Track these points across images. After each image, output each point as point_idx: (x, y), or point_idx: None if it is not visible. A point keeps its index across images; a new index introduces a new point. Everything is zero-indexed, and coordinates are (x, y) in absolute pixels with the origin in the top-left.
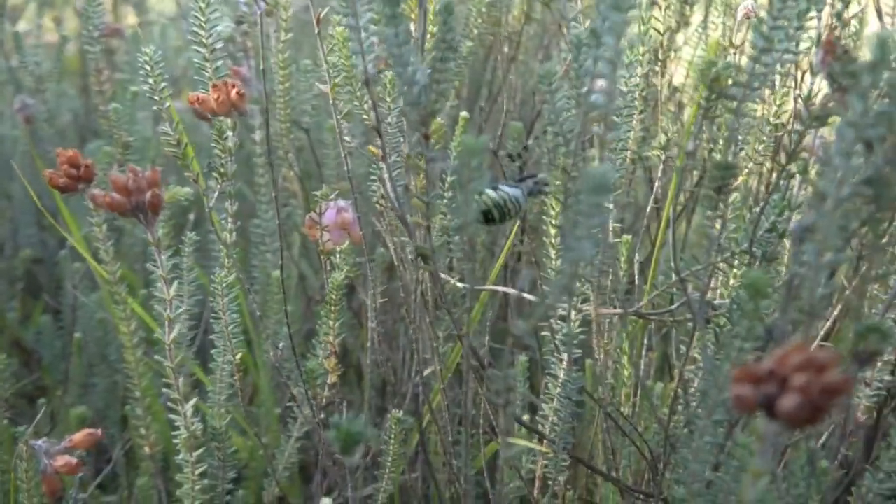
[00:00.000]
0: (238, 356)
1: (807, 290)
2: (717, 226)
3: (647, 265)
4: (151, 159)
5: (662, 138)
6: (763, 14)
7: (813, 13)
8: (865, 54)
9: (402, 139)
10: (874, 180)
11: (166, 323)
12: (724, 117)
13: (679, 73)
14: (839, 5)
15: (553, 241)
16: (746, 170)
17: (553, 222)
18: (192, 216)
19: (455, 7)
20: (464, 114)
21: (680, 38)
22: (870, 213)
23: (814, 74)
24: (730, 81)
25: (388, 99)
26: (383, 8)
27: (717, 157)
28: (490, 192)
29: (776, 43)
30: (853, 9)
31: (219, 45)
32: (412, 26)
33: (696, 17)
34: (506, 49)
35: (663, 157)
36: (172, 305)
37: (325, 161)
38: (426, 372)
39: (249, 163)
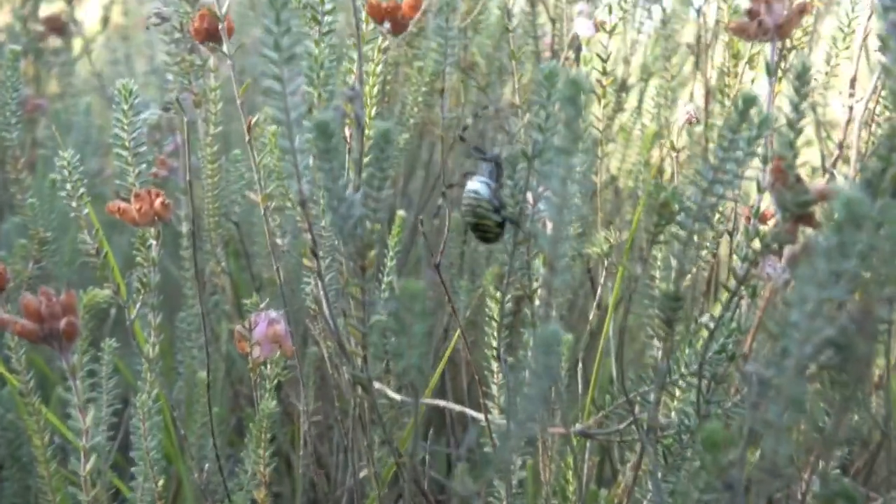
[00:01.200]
0: (160, 483)
1: (768, 449)
2: (666, 355)
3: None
4: (69, 257)
5: (603, 241)
6: (711, 146)
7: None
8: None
9: (339, 260)
10: (840, 343)
11: (82, 454)
12: (673, 246)
13: (615, 158)
14: (790, 132)
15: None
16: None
17: (495, 380)
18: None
19: (392, 134)
20: (400, 213)
21: (615, 124)
22: (835, 377)
23: (760, 191)
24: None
25: (323, 222)
26: (316, 141)
27: (665, 286)
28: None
29: (726, 174)
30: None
31: (142, 146)
32: (347, 156)
33: (632, 100)
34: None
35: (606, 263)
36: (89, 435)
37: (256, 251)
38: (361, 475)
39: (176, 252)
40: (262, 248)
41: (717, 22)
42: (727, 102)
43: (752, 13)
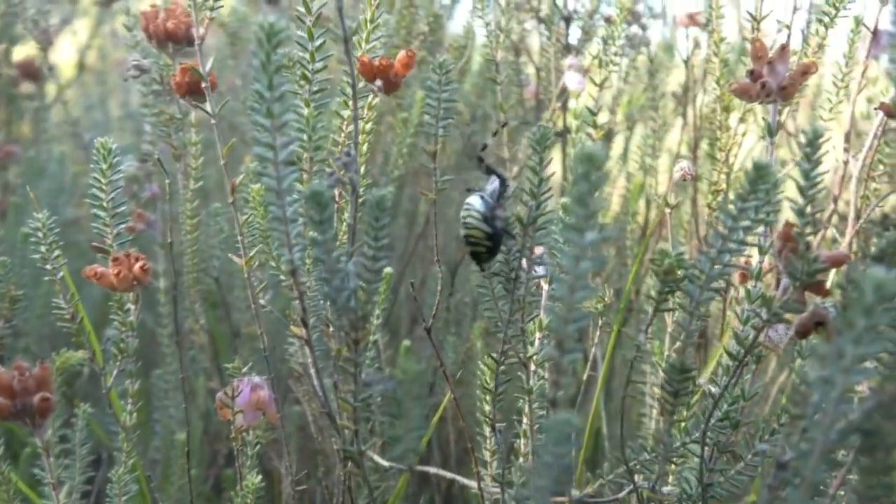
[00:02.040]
0: None
1: None
2: (669, 427)
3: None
4: (42, 310)
5: (598, 298)
6: (721, 214)
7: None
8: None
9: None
10: (865, 429)
11: None
12: (678, 315)
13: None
14: (801, 200)
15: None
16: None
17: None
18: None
19: (387, 202)
20: (387, 269)
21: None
22: (860, 463)
23: (762, 253)
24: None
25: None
26: (310, 211)
27: (673, 357)
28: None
29: (734, 242)
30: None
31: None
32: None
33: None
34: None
35: (601, 322)
36: None
37: (235, 303)
38: None
39: (153, 304)
40: (241, 299)
41: (705, 72)
42: (718, 155)
43: (754, 74)
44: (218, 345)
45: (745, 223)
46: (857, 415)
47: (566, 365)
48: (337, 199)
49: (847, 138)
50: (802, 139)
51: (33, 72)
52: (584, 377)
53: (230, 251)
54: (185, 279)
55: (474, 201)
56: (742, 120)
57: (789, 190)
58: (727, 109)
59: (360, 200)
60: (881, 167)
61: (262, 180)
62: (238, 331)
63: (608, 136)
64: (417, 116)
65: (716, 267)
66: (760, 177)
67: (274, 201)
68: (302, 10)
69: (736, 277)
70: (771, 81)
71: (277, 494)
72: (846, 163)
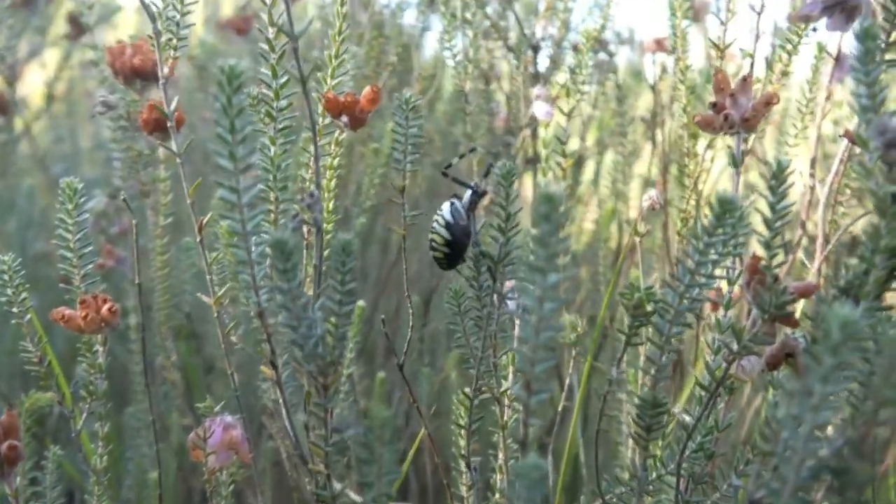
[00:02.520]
0: None
1: None
2: (644, 461)
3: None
4: (10, 346)
5: (570, 328)
6: (689, 247)
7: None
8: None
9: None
10: (835, 468)
11: None
12: (649, 348)
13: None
14: (767, 233)
15: (465, 490)
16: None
17: (464, 482)
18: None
19: (353, 246)
20: (360, 303)
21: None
22: (831, 501)
23: (731, 283)
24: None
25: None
26: (275, 261)
27: (645, 391)
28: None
29: (702, 276)
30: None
31: (88, 247)
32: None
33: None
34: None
35: (573, 353)
36: None
37: (208, 334)
38: None
39: (124, 338)
40: (213, 334)
41: (672, 98)
42: (686, 182)
43: (717, 106)
44: (191, 379)
45: (713, 257)
46: (828, 452)
47: (534, 405)
48: (305, 235)
49: (813, 164)
50: (767, 172)
51: (1, 105)
52: (560, 407)
53: (202, 285)
54: (157, 315)
55: (444, 207)
56: (709, 146)
57: (757, 218)
58: (694, 136)
59: (327, 238)
60: (848, 191)
61: (227, 223)
62: (211, 364)
63: (578, 163)
64: (388, 147)
65: (684, 301)
66: (726, 211)
67: (239, 244)
68: (265, 46)
69: (707, 306)
70: (734, 113)
71: None
72: (813, 188)
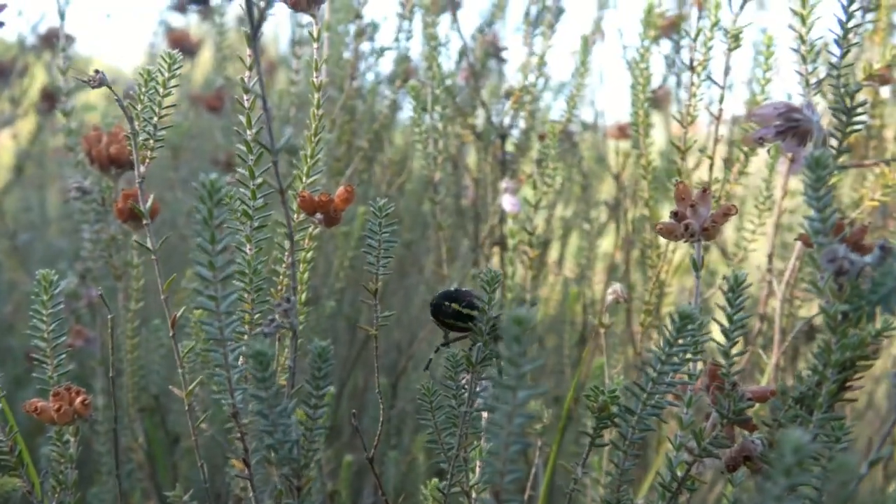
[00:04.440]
0: None
1: None
2: None
3: None
4: None
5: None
6: (651, 356)
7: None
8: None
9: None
10: None
11: None
12: (614, 453)
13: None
14: (726, 342)
15: None
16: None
17: None
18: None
19: (329, 353)
20: (348, 458)
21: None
22: None
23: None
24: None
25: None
26: (253, 371)
27: (608, 493)
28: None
29: (663, 385)
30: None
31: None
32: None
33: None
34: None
35: (540, 443)
36: None
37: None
38: None
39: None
40: (181, 412)
41: (636, 187)
42: (649, 272)
43: (678, 216)
44: (156, 456)
45: (674, 364)
46: None
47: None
48: (277, 337)
49: (770, 259)
50: (725, 286)
51: None
52: (526, 496)
53: (170, 364)
54: (125, 397)
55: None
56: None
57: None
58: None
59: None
60: (803, 284)
61: (205, 328)
62: (176, 438)
63: (544, 244)
64: (358, 231)
65: (647, 407)
66: (686, 323)
67: (217, 349)
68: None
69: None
70: (694, 223)
71: None
72: (770, 283)
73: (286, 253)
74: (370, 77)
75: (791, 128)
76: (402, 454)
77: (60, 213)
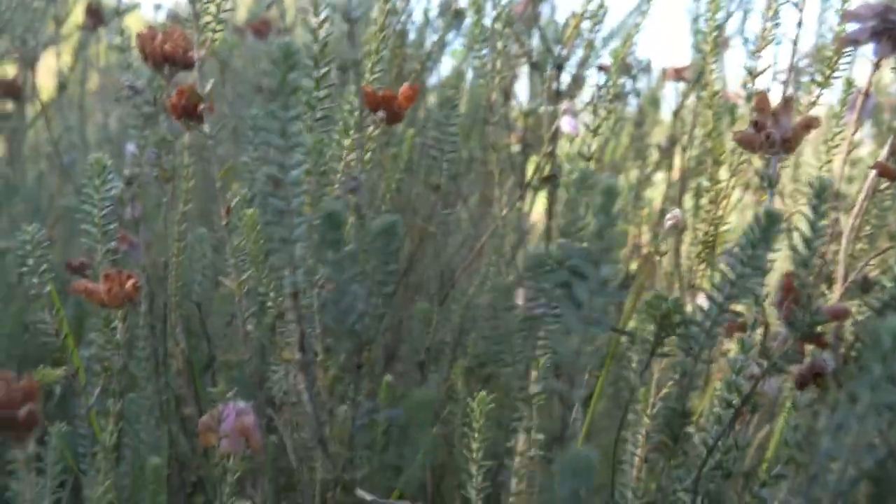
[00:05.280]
0: None
1: None
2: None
3: None
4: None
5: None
6: (732, 258)
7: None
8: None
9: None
10: (877, 477)
11: None
12: (679, 359)
13: None
14: (806, 251)
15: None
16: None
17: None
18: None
19: (398, 227)
20: (387, 378)
21: None
22: None
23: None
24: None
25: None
26: (324, 232)
27: (672, 402)
28: None
29: (741, 289)
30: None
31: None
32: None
33: None
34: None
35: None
36: None
37: (215, 332)
38: None
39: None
40: (219, 327)
41: (693, 125)
42: (708, 207)
43: (758, 125)
44: (194, 371)
45: (755, 268)
46: (868, 462)
47: (574, 399)
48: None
49: (836, 196)
50: (809, 190)
51: (16, 91)
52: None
53: (211, 278)
54: (169, 301)
55: None
56: (732, 174)
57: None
58: (717, 162)
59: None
60: (867, 227)
61: (270, 201)
62: (213, 357)
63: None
64: (407, 153)
65: (722, 313)
66: (772, 224)
67: (280, 222)
68: (308, 37)
69: (727, 330)
70: (775, 133)
71: None
72: (836, 220)
73: (345, 151)
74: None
75: (888, 29)
76: (442, 379)
77: (101, 137)
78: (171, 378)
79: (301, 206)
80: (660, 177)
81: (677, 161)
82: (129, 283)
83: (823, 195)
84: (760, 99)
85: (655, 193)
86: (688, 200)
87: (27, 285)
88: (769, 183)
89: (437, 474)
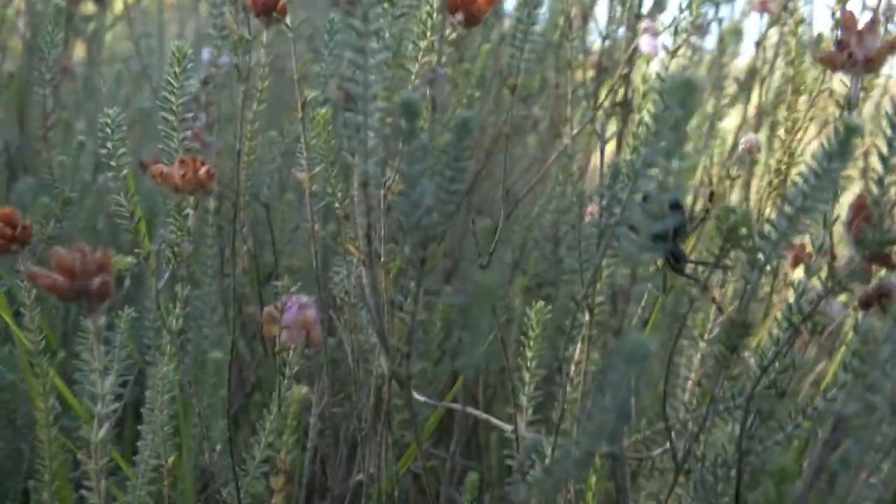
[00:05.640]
0: (171, 460)
1: (842, 489)
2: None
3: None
4: (88, 216)
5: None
6: (805, 170)
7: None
8: None
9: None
10: None
11: (95, 420)
12: (744, 271)
13: None
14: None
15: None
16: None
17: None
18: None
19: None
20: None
21: None
22: None
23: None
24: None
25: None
26: (400, 121)
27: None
28: None
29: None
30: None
31: (189, 113)
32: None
33: None
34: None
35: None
36: (105, 400)
37: (281, 237)
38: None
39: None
40: (284, 232)
41: (775, 55)
42: (784, 136)
43: (842, 44)
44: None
45: (832, 180)
46: None
47: (635, 294)
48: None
49: None
50: (889, 109)
51: None
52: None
53: (279, 182)
54: (239, 200)
55: None
56: (812, 105)
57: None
58: (798, 92)
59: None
60: None
61: (348, 85)
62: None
63: None
64: (480, 69)
65: (792, 227)
66: (850, 136)
67: (357, 109)
68: None
69: (792, 259)
70: (858, 52)
71: (305, 427)
72: None
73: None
74: None
75: None
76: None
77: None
78: (236, 277)
79: (378, 93)
80: (737, 110)
81: (755, 96)
82: (204, 170)
83: None
84: (847, 18)
85: (731, 127)
86: (762, 136)
87: (101, 182)
88: (848, 105)
89: (487, 393)
